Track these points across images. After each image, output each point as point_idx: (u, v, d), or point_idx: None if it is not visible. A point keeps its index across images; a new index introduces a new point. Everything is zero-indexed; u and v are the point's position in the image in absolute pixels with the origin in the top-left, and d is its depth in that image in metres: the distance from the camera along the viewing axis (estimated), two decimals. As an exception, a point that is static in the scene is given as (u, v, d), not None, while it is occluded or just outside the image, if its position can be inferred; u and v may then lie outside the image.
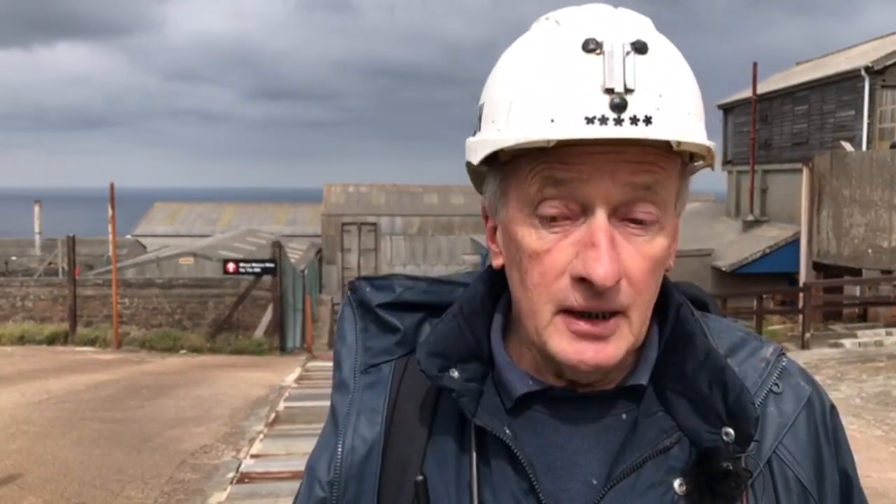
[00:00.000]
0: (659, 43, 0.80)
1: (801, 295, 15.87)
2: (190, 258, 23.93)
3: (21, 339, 16.43)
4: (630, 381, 0.88)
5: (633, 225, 0.80)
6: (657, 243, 0.81)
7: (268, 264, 17.64)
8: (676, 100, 0.78)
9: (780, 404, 0.90)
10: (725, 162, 25.62)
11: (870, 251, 16.97)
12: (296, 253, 28.71)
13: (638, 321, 0.83)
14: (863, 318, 17.90)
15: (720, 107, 26.37)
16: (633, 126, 0.76)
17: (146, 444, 7.93)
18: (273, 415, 9.37)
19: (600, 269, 0.77)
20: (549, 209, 0.80)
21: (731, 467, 0.82)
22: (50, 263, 29.46)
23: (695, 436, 0.85)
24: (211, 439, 8.19)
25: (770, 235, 21.22)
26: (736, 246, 21.62)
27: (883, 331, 14.66)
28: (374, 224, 36.66)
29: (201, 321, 18.98)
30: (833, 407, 0.94)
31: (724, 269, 20.28)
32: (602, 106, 0.76)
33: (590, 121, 0.76)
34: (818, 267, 18.58)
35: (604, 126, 0.75)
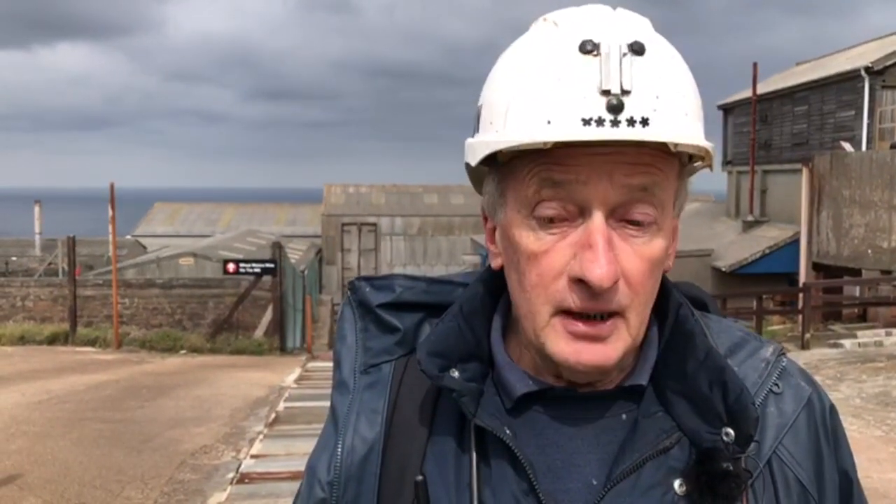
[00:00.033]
0: (657, 44, 0.80)
1: (800, 295, 15.88)
2: (190, 258, 23.94)
3: (21, 340, 16.42)
4: (630, 381, 0.88)
5: (630, 226, 0.80)
6: (655, 244, 0.82)
7: (268, 265, 17.64)
8: (674, 101, 0.78)
9: (780, 404, 0.90)
10: (725, 162, 25.63)
11: (869, 251, 16.98)
12: (296, 253, 28.72)
13: (636, 322, 0.83)
14: (862, 318, 17.90)
15: (720, 107, 26.38)
16: (630, 128, 0.76)
17: (146, 445, 7.93)
18: (273, 415, 9.37)
19: (597, 271, 0.77)
20: (547, 210, 0.80)
21: (731, 468, 0.82)
22: (50, 264, 29.47)
23: (695, 436, 0.85)
24: (211, 440, 8.19)
25: (770, 236, 21.23)
26: (736, 246, 21.62)
27: (883, 331, 14.65)
28: (374, 224, 36.67)
29: (201, 321, 18.98)
30: (833, 407, 0.94)
31: (723, 269, 20.28)
32: (599, 107, 0.76)
33: (586, 122, 0.76)
34: (818, 267, 18.59)
35: (600, 128, 0.76)
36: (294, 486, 1.42)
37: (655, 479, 0.84)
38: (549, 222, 0.80)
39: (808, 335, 13.90)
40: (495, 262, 0.90)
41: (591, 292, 0.79)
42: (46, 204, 39.36)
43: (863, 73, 18.85)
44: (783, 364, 0.92)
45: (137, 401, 10.17)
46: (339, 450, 0.91)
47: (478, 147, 0.83)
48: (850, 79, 19.52)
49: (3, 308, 18.99)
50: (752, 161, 23.44)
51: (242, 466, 7.19)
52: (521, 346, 0.89)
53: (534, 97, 0.78)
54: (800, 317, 15.23)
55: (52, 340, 16.57)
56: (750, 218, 23.13)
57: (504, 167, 0.84)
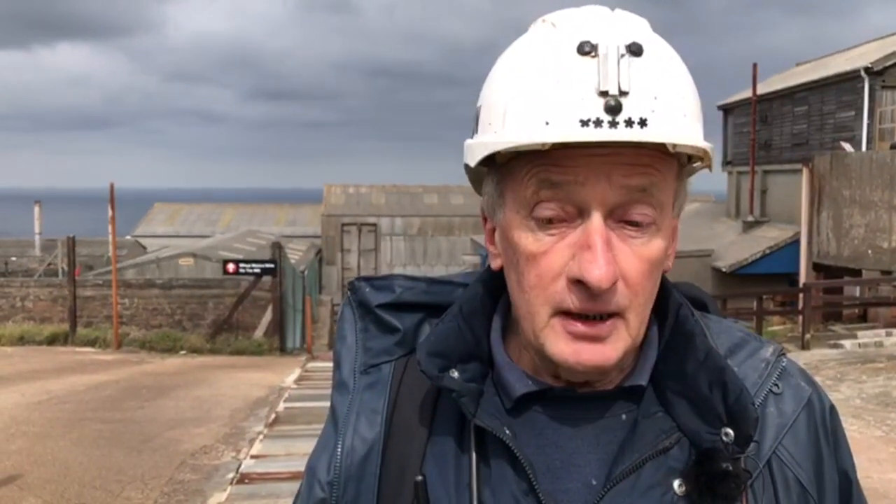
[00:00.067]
0: (655, 45, 0.80)
1: (801, 296, 15.88)
2: (190, 259, 23.95)
3: (21, 340, 16.43)
4: (629, 381, 0.88)
5: (629, 227, 0.80)
6: (654, 245, 0.82)
7: (268, 265, 17.64)
8: (672, 102, 0.78)
9: (780, 405, 0.90)
10: (725, 163, 25.64)
11: (870, 252, 16.98)
12: (296, 254, 28.72)
13: (635, 322, 0.83)
14: (863, 318, 17.90)
15: (720, 107, 26.39)
16: (628, 128, 0.76)
17: (146, 445, 7.93)
18: (273, 415, 9.37)
19: (596, 272, 0.77)
20: (546, 211, 0.80)
21: (730, 468, 0.82)
22: (50, 264, 29.46)
23: (694, 436, 0.85)
24: (211, 440, 8.19)
25: (770, 236, 21.23)
26: (736, 246, 21.62)
27: (883, 331, 14.65)
28: (374, 224, 36.68)
29: (201, 322, 18.99)
30: (833, 407, 0.94)
31: (724, 269, 20.28)
32: (597, 108, 0.76)
33: (584, 123, 0.76)
34: (818, 268, 18.59)
35: (598, 129, 0.76)
36: (294, 486, 1.42)
37: (655, 480, 0.84)
38: (547, 223, 0.80)
39: (808, 336, 13.90)
40: (495, 263, 0.90)
41: (589, 293, 0.79)
42: (46, 204, 39.37)
43: (863, 73, 18.85)
44: (783, 364, 0.92)
45: (137, 401, 10.17)
46: (339, 450, 0.91)
47: (476, 148, 0.83)
48: (850, 79, 19.53)
49: (2, 308, 18.99)
50: (752, 161, 23.45)
51: (242, 467, 7.20)
52: (521, 346, 0.89)
53: (532, 98, 0.78)
54: (800, 317, 15.23)
55: (52, 341, 16.58)
56: (750, 218, 23.13)
57: (503, 168, 0.84)
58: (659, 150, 0.78)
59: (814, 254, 18.47)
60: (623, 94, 0.76)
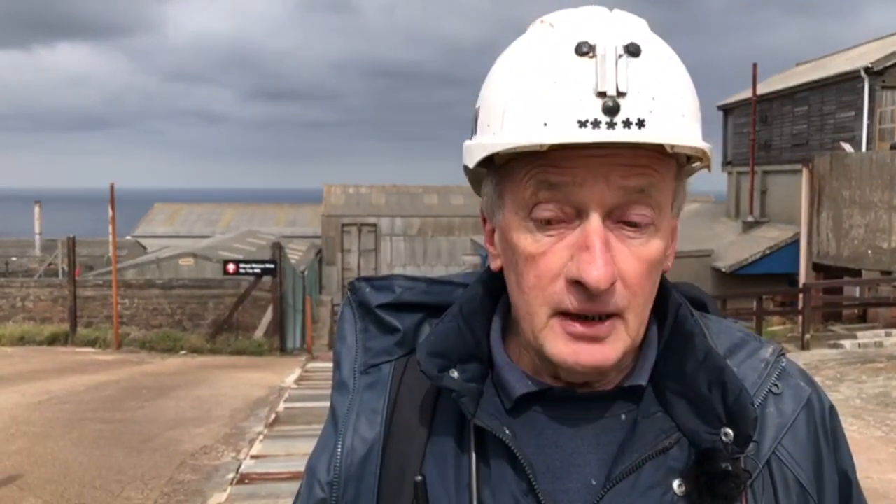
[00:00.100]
0: (653, 45, 0.80)
1: (800, 296, 15.88)
2: (190, 259, 23.96)
3: (21, 340, 16.42)
4: (629, 381, 0.88)
5: (627, 227, 0.80)
6: (652, 245, 0.82)
7: (268, 265, 17.64)
8: (670, 102, 0.78)
9: (780, 405, 0.90)
10: (725, 163, 25.64)
11: (869, 252, 16.98)
12: (296, 254, 28.73)
13: (634, 323, 0.83)
14: (862, 319, 17.90)
15: (720, 108, 26.38)
16: (626, 129, 0.76)
17: (146, 445, 7.93)
18: (273, 415, 9.37)
19: (594, 272, 0.77)
20: (544, 212, 0.80)
21: (730, 468, 0.82)
22: (50, 264, 29.47)
23: (694, 436, 0.85)
24: (211, 440, 8.19)
25: (770, 236, 21.23)
26: (736, 247, 21.63)
27: (883, 332, 14.65)
28: (374, 225, 36.68)
29: (201, 322, 18.99)
30: (832, 408, 0.94)
31: (723, 269, 20.28)
32: (594, 109, 0.76)
33: (582, 124, 0.76)
34: (818, 268, 18.59)
35: (596, 130, 0.76)
36: (294, 486, 1.42)
37: (655, 480, 0.84)
38: (546, 224, 0.80)
39: (808, 336, 13.90)
40: (495, 264, 0.90)
41: (588, 294, 0.79)
42: (46, 204, 39.37)
43: (863, 73, 18.85)
44: (783, 364, 0.92)
45: (137, 401, 10.17)
46: (339, 450, 0.92)
47: (475, 149, 0.83)
48: (850, 79, 19.53)
49: (3, 308, 18.99)
50: (752, 161, 23.45)
51: (242, 467, 7.20)
52: (521, 346, 0.89)
53: (530, 99, 0.78)
54: (800, 317, 15.23)
55: (52, 341, 16.57)
56: (750, 218, 23.13)
57: (502, 169, 0.84)
58: (657, 150, 0.78)
59: (814, 254, 18.47)
60: (621, 94, 0.76)
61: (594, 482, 0.85)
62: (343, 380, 0.96)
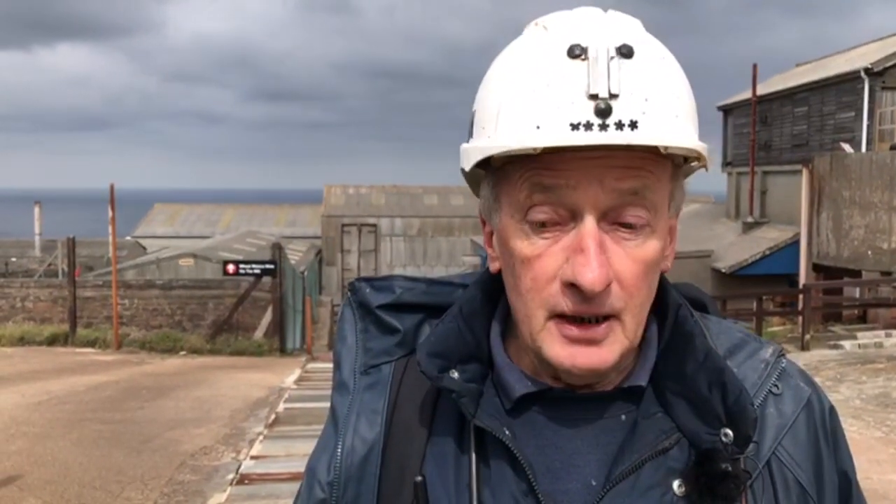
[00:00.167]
0: (646, 46, 0.80)
1: (800, 296, 15.88)
2: (190, 259, 23.95)
3: (21, 340, 16.42)
4: (629, 382, 0.88)
5: (623, 229, 0.80)
6: (649, 246, 0.82)
7: (268, 266, 17.64)
8: (663, 103, 0.78)
9: (780, 405, 0.90)
10: (725, 163, 25.65)
11: (869, 253, 16.98)
12: (296, 254, 28.72)
13: (632, 324, 0.83)
14: (862, 319, 17.90)
15: (720, 108, 26.40)
16: (619, 131, 0.75)
17: (146, 446, 7.93)
18: (273, 416, 9.37)
19: (588, 275, 0.77)
20: (539, 215, 0.80)
21: (730, 468, 0.82)
22: (50, 265, 29.47)
23: (694, 437, 0.85)
24: (211, 440, 8.19)
25: (770, 237, 21.23)
26: (736, 247, 21.63)
27: (883, 332, 14.66)
28: (374, 225, 36.68)
29: (201, 322, 18.99)
30: (832, 408, 0.94)
31: (723, 270, 20.28)
32: (587, 112, 0.76)
33: (575, 127, 0.76)
34: (818, 268, 18.59)
35: (589, 132, 0.75)
36: (294, 487, 1.42)
37: (654, 480, 0.84)
38: (541, 227, 0.80)
39: (807, 336, 13.90)
40: (493, 266, 0.91)
41: (583, 296, 0.79)
42: (46, 204, 39.37)
43: (863, 74, 18.86)
44: (782, 365, 0.92)
45: (137, 402, 10.17)
46: (339, 450, 0.92)
47: (471, 152, 0.84)
48: (849, 80, 19.54)
49: (2, 309, 18.99)
50: (752, 162, 23.46)
51: (242, 467, 7.20)
52: (521, 347, 0.89)
53: (523, 102, 0.78)
54: (800, 318, 15.23)
55: (52, 341, 16.57)
56: (750, 219, 23.14)
57: (498, 172, 0.85)
58: (651, 151, 0.78)
59: (813, 255, 18.47)
60: (613, 96, 0.76)
61: (594, 483, 0.85)
62: (343, 380, 0.96)
